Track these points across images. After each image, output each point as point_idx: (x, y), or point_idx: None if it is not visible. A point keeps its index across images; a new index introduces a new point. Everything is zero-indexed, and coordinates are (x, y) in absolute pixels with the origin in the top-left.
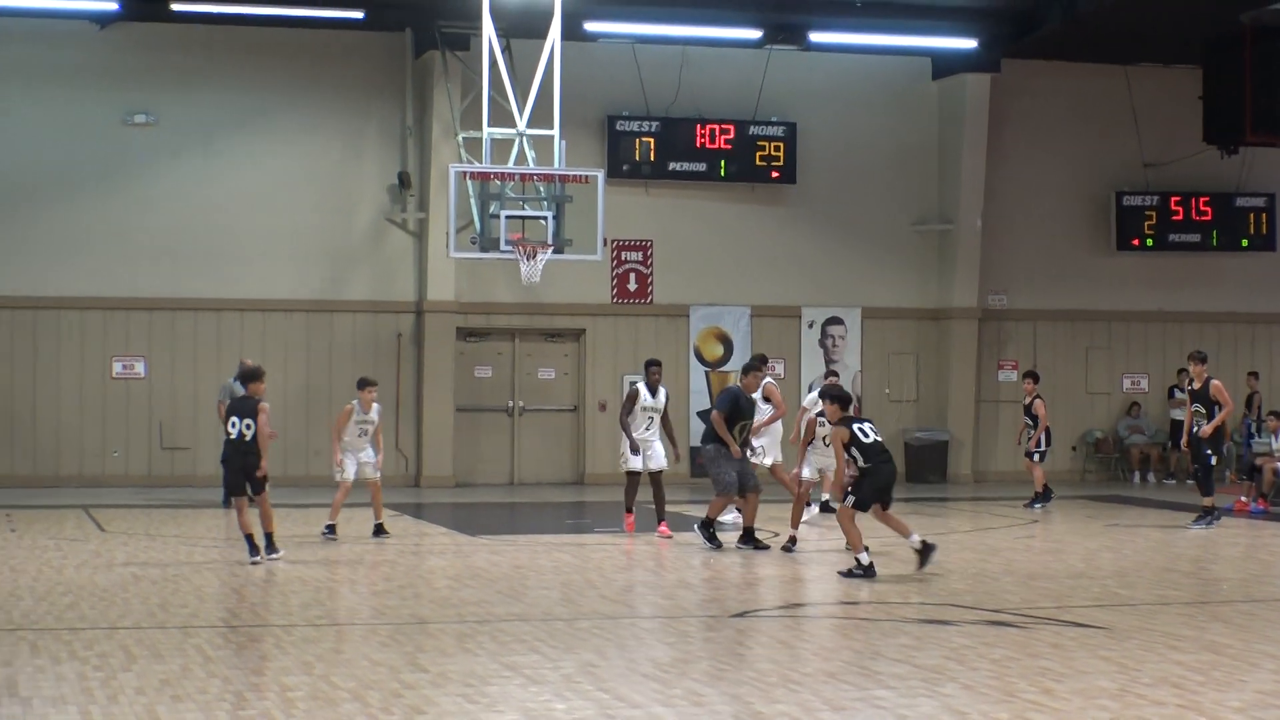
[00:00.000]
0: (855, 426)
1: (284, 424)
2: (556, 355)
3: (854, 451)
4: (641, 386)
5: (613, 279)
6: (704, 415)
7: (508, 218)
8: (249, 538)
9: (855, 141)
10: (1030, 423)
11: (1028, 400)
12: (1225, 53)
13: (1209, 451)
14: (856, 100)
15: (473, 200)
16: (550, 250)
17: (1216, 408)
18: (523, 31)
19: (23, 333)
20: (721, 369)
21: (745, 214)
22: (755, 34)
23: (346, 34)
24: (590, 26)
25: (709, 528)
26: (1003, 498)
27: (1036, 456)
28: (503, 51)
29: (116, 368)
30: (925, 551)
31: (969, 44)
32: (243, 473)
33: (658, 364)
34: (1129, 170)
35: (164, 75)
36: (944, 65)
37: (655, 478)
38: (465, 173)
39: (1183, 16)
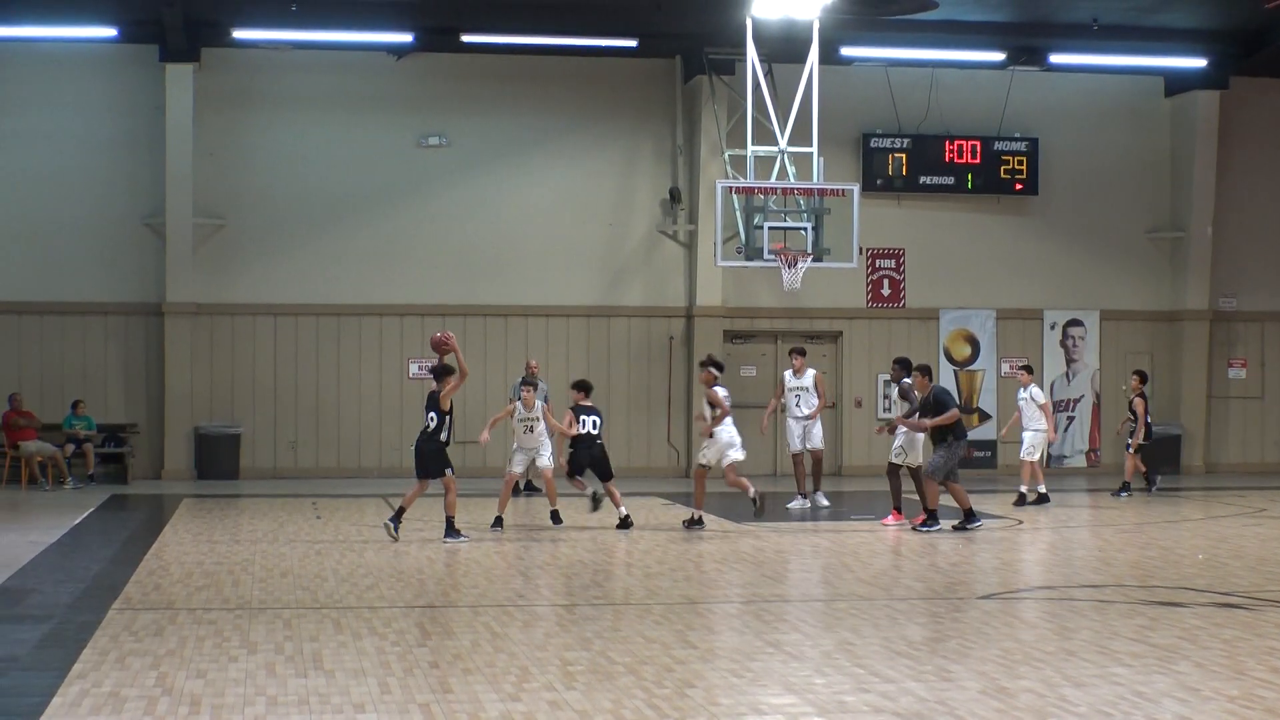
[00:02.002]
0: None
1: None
2: (816, 356)
3: None
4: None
5: (867, 284)
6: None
7: (770, 229)
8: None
9: (1093, 155)
10: (1132, 418)
11: (1132, 396)
12: None
13: None
14: (1094, 117)
15: (738, 213)
16: (810, 259)
17: None
18: (783, 56)
19: (328, 336)
20: (969, 368)
21: (990, 223)
22: (999, 56)
23: (622, 61)
24: (846, 51)
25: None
26: (1232, 488)
27: (1133, 449)
28: (765, 75)
29: (413, 369)
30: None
31: (1199, 63)
32: (420, 457)
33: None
34: None
35: (455, 101)
36: (1176, 83)
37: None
38: (731, 188)
39: None
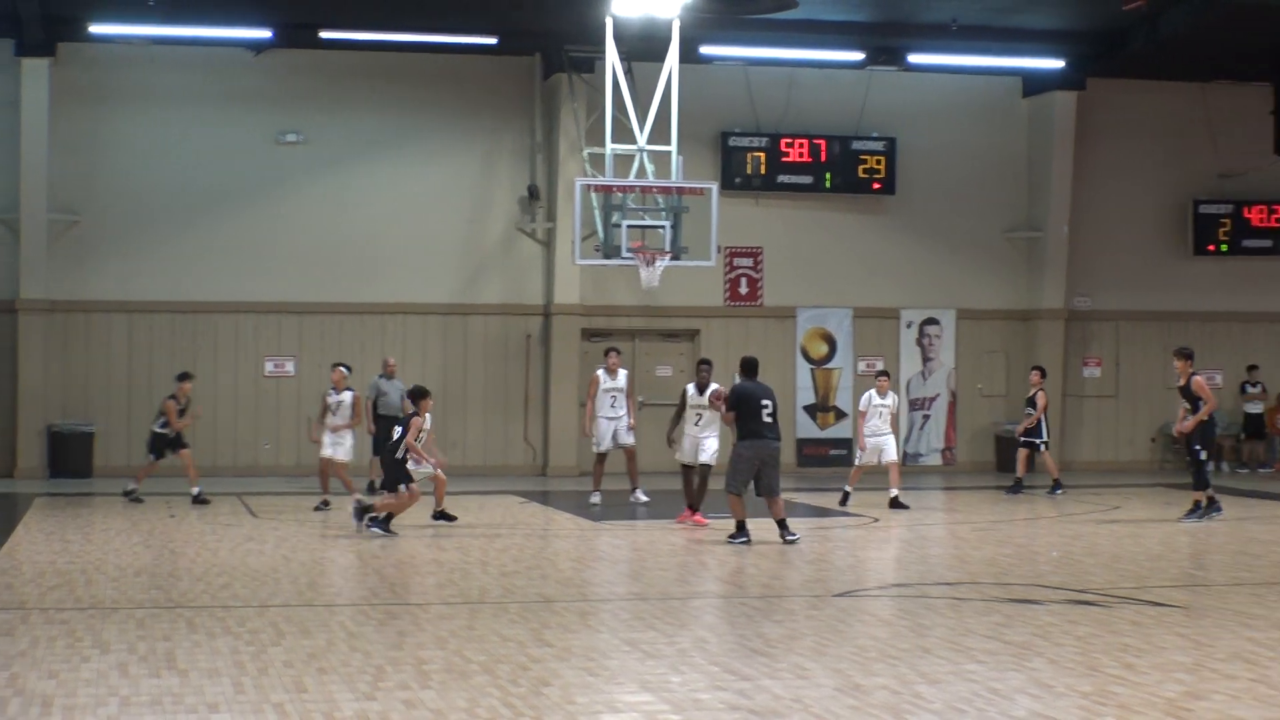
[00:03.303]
0: None
1: None
2: (673, 354)
3: None
4: (690, 386)
5: (725, 283)
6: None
7: (629, 227)
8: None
9: (950, 155)
10: (1031, 412)
11: (1033, 392)
12: None
13: (1198, 446)
14: (952, 117)
15: (596, 211)
16: (668, 257)
17: (1200, 403)
18: (643, 55)
19: (184, 334)
20: (826, 366)
21: (848, 222)
22: (858, 56)
23: (480, 59)
24: (705, 50)
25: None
26: (1087, 486)
27: (1043, 446)
28: (624, 73)
29: (268, 367)
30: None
31: (1057, 64)
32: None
33: (708, 363)
34: (1205, 180)
35: (313, 98)
36: (1034, 84)
37: (703, 471)
38: (589, 186)
39: (1257, 37)
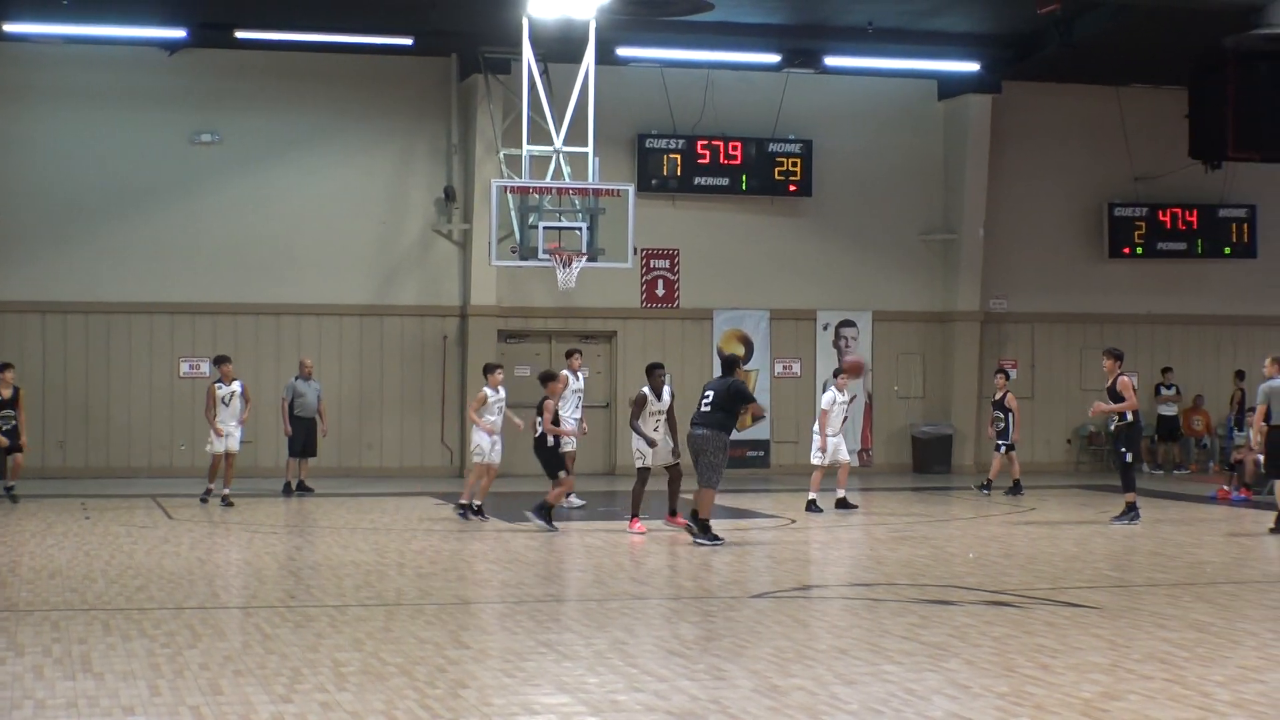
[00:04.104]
0: None
1: (338, 419)
2: (590, 355)
3: None
4: (648, 391)
5: (642, 285)
6: (717, 403)
7: (545, 228)
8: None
9: (866, 157)
10: (1001, 417)
11: (1000, 395)
12: (1209, 75)
13: (1124, 449)
14: (868, 119)
15: (513, 213)
16: (584, 258)
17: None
18: (559, 56)
19: (97, 335)
20: (743, 368)
21: (764, 224)
22: (774, 58)
23: (397, 59)
24: (622, 52)
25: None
26: (1003, 487)
27: (1005, 448)
28: (541, 75)
29: (184, 367)
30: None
31: (972, 67)
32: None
33: (661, 367)
34: (1120, 183)
35: (229, 98)
36: (949, 87)
37: (673, 471)
38: (506, 187)
39: (1170, 41)
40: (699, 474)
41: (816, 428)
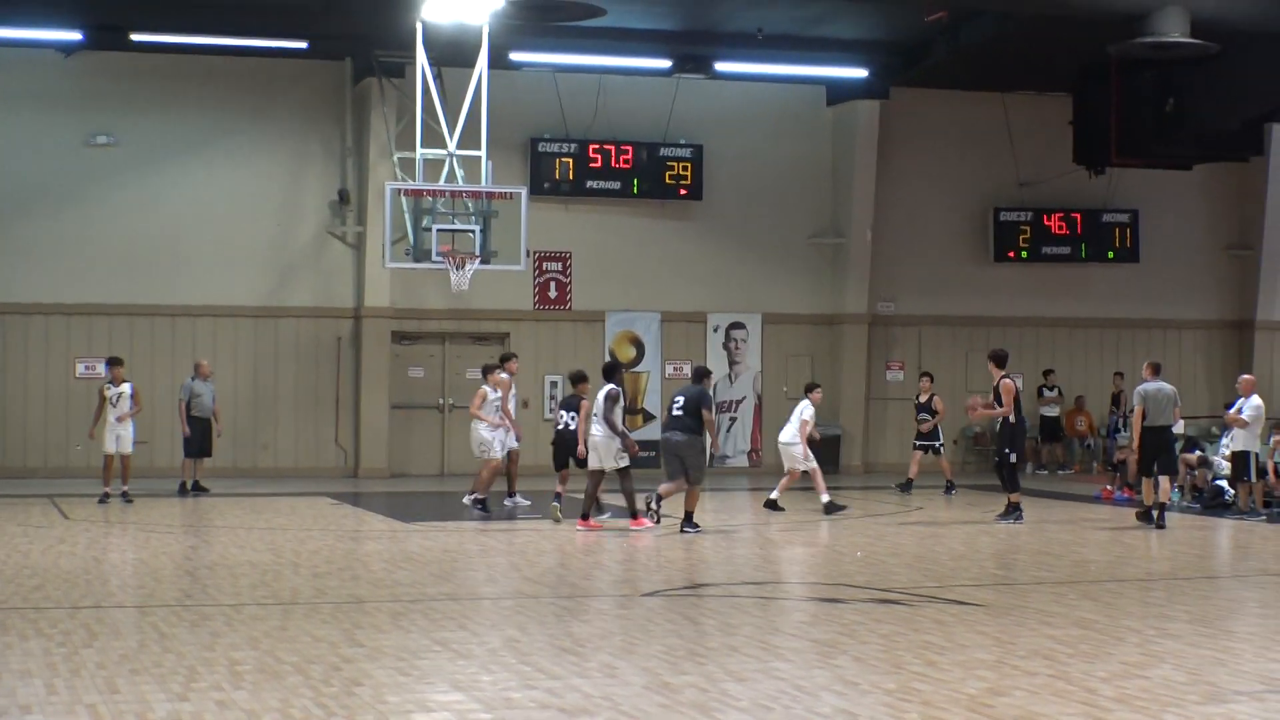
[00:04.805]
0: None
1: (233, 419)
2: (483, 357)
3: None
4: (617, 389)
5: (535, 287)
6: (686, 409)
7: (439, 231)
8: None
9: (756, 162)
10: (927, 417)
11: (926, 398)
12: (1093, 82)
13: (1008, 450)
14: (757, 124)
15: (406, 215)
16: (477, 261)
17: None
18: (453, 60)
19: None
20: (635, 370)
21: (656, 228)
22: (666, 64)
23: (291, 62)
24: (515, 56)
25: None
26: (890, 487)
27: (940, 449)
28: (434, 79)
29: (79, 368)
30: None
31: (861, 74)
32: (567, 453)
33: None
34: (1006, 188)
35: (124, 100)
36: (838, 93)
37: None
38: (400, 190)
39: (1055, 49)
40: (688, 475)
41: (795, 436)
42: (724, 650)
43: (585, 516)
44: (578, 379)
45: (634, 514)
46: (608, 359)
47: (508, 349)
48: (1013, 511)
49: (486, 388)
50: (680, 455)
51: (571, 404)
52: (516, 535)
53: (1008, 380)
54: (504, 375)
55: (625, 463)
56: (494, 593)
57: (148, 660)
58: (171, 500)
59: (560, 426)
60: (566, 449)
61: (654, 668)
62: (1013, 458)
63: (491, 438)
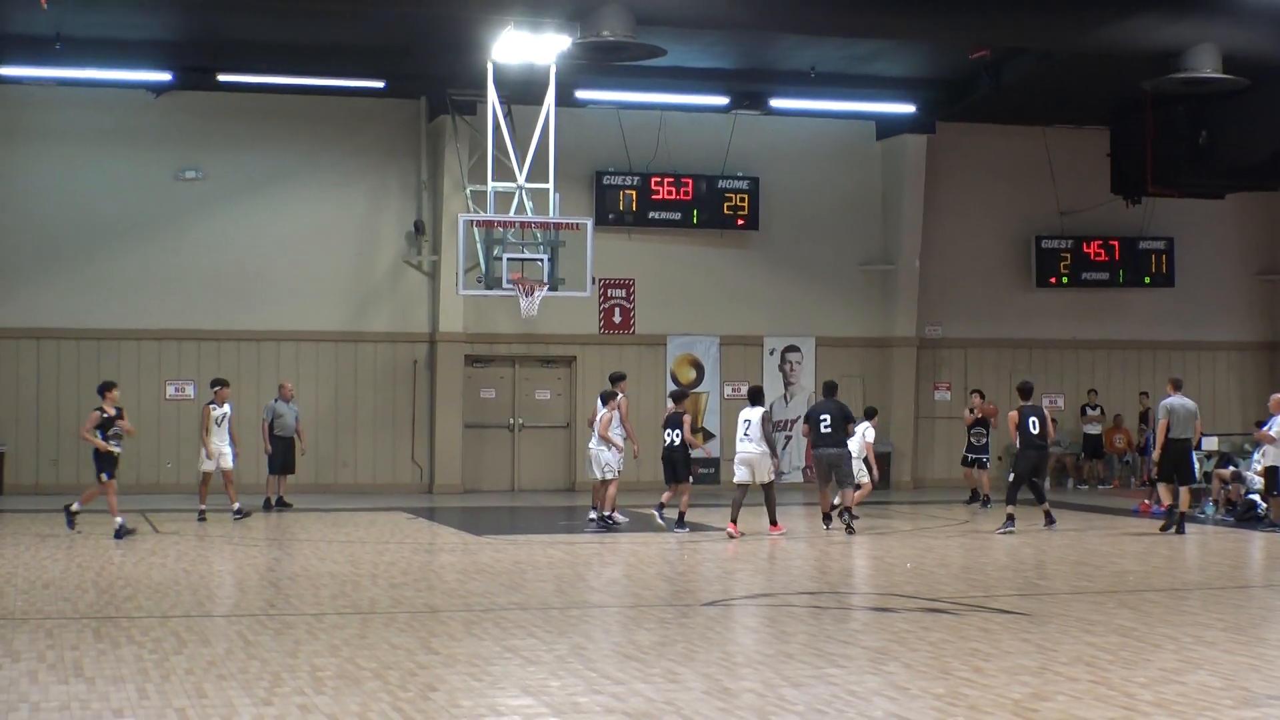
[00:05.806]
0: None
1: (315, 438)
2: (551, 379)
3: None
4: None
5: (600, 312)
6: (837, 424)
7: (509, 260)
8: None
9: (810, 193)
10: (983, 432)
11: (982, 414)
12: (1129, 115)
13: (1010, 472)
14: (811, 158)
15: (479, 245)
16: (545, 288)
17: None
18: (522, 98)
19: (88, 359)
20: (695, 390)
21: (714, 256)
22: (723, 100)
23: (370, 101)
24: (581, 94)
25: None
26: (938, 501)
27: (986, 462)
28: (505, 116)
29: (170, 390)
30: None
31: (908, 109)
32: (671, 465)
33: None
34: (1047, 217)
35: (211, 137)
36: (887, 127)
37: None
38: (472, 221)
39: (1093, 84)
40: (840, 481)
41: (860, 452)
42: (780, 657)
43: (735, 520)
44: (680, 396)
45: (774, 521)
46: (750, 385)
47: (574, 373)
48: (1008, 521)
49: (613, 410)
50: (834, 465)
51: (675, 421)
52: (582, 548)
53: (1013, 411)
54: (622, 397)
55: (774, 477)
56: (561, 602)
57: (234, 666)
58: (256, 515)
59: (667, 443)
60: (673, 464)
61: (714, 674)
62: (1010, 476)
63: (616, 459)
